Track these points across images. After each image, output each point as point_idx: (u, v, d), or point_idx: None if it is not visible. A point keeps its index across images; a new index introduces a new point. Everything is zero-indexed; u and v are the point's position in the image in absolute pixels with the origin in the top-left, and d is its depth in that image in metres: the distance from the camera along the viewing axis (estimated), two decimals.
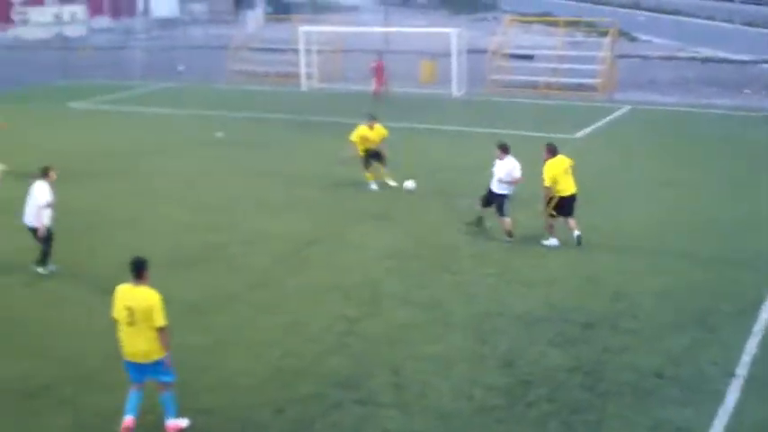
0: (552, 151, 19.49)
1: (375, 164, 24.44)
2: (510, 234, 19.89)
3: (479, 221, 20.63)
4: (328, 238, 20.31)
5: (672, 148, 29.07)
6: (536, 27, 61.66)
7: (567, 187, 19.37)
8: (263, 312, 15.99)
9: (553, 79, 42.63)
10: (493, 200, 19.99)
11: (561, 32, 50.80)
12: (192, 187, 25.20)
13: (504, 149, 19.85)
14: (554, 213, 19.47)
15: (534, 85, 41.96)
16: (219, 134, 32.46)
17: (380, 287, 17.09)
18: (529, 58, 47.46)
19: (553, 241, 19.55)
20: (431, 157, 28.15)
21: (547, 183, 19.14)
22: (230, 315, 15.90)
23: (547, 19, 64.88)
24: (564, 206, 19.39)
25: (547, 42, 51.03)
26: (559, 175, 19.23)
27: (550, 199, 19.31)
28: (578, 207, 19.64)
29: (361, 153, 24.34)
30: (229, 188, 25.04)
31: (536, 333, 14.86)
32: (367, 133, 24.23)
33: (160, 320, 11.37)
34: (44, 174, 18.25)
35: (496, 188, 19.83)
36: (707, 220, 21.35)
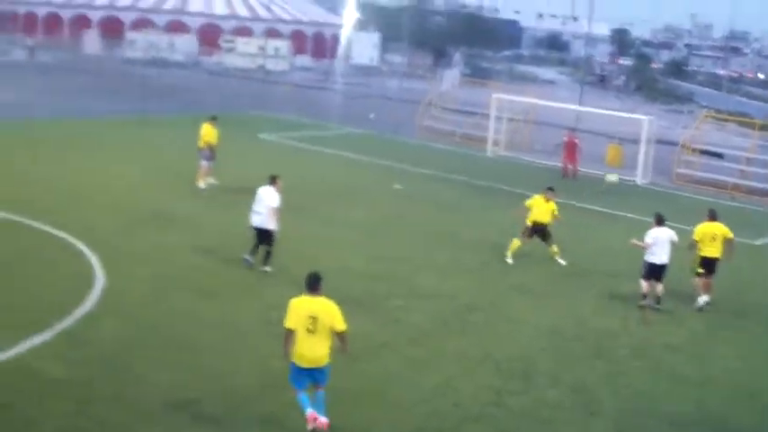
0: (711, 216, 21.91)
1: (537, 239, 24.50)
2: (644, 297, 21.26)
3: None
4: (490, 306, 20.43)
5: None
6: (730, 126, 60.57)
7: (711, 250, 21.42)
8: (415, 369, 16.21)
9: (741, 181, 41.79)
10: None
11: (756, 135, 49.78)
12: (366, 234, 25.79)
13: (658, 220, 21.69)
14: (699, 272, 21.50)
15: (721, 185, 41.20)
16: (398, 186, 33.08)
17: (533, 364, 17.09)
18: (719, 156, 46.63)
19: (702, 299, 21.35)
20: (604, 240, 27.97)
21: (695, 237, 21.51)
22: (382, 365, 16.19)
23: (743, 119, 63.60)
24: (705, 265, 21.41)
25: (740, 143, 50.02)
26: (706, 235, 21.44)
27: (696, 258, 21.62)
28: (753, 315, 19.48)
29: (529, 222, 24.42)
30: (402, 241, 25.48)
31: None
32: (539, 204, 24.34)
33: (343, 325, 12.79)
34: (272, 181, 21.22)
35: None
36: None
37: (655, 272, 21.14)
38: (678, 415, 15.38)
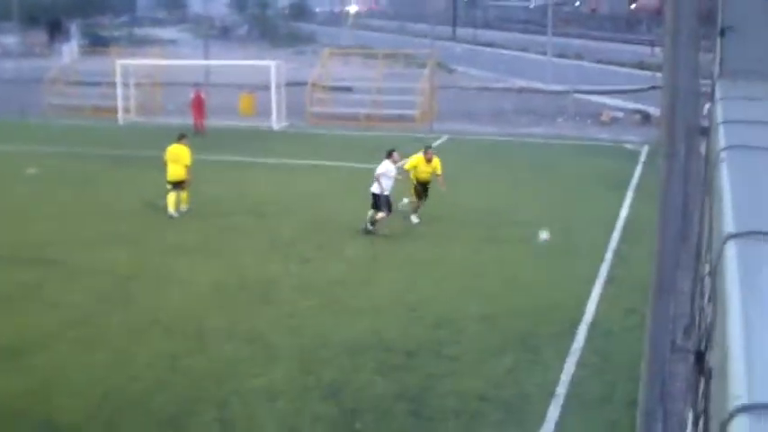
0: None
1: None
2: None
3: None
4: (150, 272, 19.94)
5: (490, 176, 29.76)
6: (355, 59, 62.26)
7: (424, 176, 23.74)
8: (83, 351, 15.55)
9: (373, 111, 43.12)
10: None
11: (380, 65, 51.46)
12: (5, 224, 24.36)
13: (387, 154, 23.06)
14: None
15: (354, 117, 42.35)
16: (32, 170, 31.48)
17: (204, 322, 16.86)
18: (348, 90, 47.89)
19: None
20: (252, 189, 28.03)
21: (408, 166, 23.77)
22: (49, 355, 15.38)
23: (365, 51, 65.63)
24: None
25: (366, 74, 51.54)
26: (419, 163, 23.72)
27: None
28: (401, 238, 20.09)
29: (169, 178, 24.41)
30: (45, 224, 24.25)
31: (360, 362, 14.92)
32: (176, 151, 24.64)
33: None
34: None
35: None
36: (524, 244, 21.93)
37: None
38: (353, 343, 15.67)
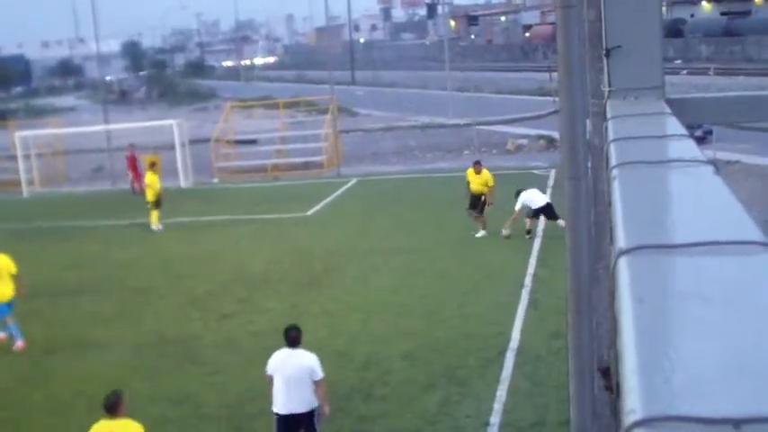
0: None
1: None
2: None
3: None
4: (68, 345, 19.55)
5: (401, 215, 29.84)
6: (258, 112, 62.16)
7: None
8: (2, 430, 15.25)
9: (280, 161, 43.13)
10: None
11: (282, 114, 51.53)
12: None
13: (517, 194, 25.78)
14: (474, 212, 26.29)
15: (262, 169, 42.29)
16: None
17: (127, 388, 16.56)
18: (253, 142, 47.86)
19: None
20: (166, 249, 27.73)
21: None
22: None
23: (267, 102, 65.53)
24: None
25: (269, 125, 51.54)
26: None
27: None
28: (320, 282, 20.04)
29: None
30: None
31: None
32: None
33: (14, 269, 19.30)
34: None
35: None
36: (441, 278, 22.02)
37: (540, 212, 25.50)
38: None
